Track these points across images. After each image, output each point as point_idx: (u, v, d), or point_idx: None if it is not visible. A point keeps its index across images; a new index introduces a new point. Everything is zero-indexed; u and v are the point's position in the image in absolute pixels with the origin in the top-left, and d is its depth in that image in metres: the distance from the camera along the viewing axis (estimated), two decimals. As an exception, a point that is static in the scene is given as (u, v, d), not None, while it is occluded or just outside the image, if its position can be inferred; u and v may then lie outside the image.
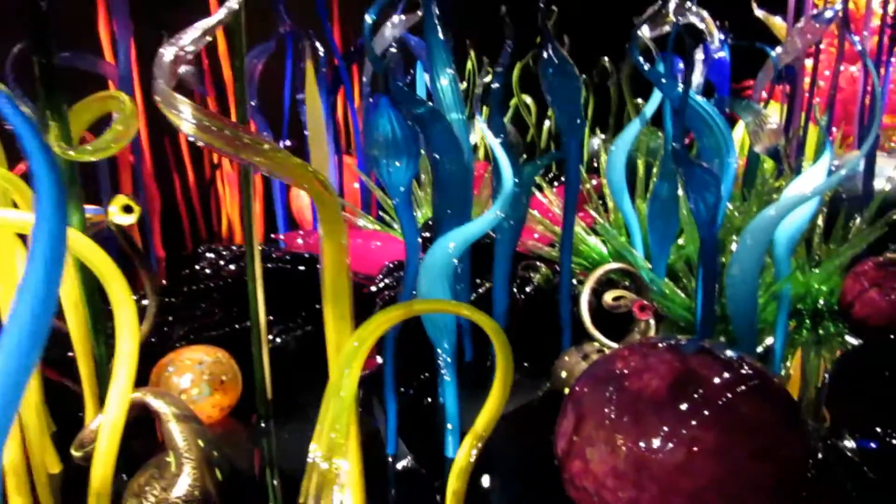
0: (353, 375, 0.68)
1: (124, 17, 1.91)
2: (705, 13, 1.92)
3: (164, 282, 2.18)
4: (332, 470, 0.65)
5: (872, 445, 1.19)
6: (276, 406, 1.31)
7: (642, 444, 0.82)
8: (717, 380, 0.86)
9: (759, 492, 0.80)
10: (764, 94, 3.25)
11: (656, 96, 1.65)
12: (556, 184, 2.40)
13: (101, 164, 2.09)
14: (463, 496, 0.80)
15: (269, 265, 1.53)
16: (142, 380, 1.26)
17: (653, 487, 0.80)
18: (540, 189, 2.07)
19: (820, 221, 1.79)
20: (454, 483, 0.78)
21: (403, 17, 1.91)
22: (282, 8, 2.06)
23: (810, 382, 1.47)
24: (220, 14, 0.68)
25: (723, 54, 2.01)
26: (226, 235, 2.45)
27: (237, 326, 1.48)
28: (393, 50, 1.05)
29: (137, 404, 0.94)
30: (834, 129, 2.86)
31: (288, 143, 2.20)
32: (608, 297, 1.18)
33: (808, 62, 3.16)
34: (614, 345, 1.18)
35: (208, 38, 0.69)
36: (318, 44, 2.05)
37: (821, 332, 1.63)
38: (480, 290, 1.56)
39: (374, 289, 1.62)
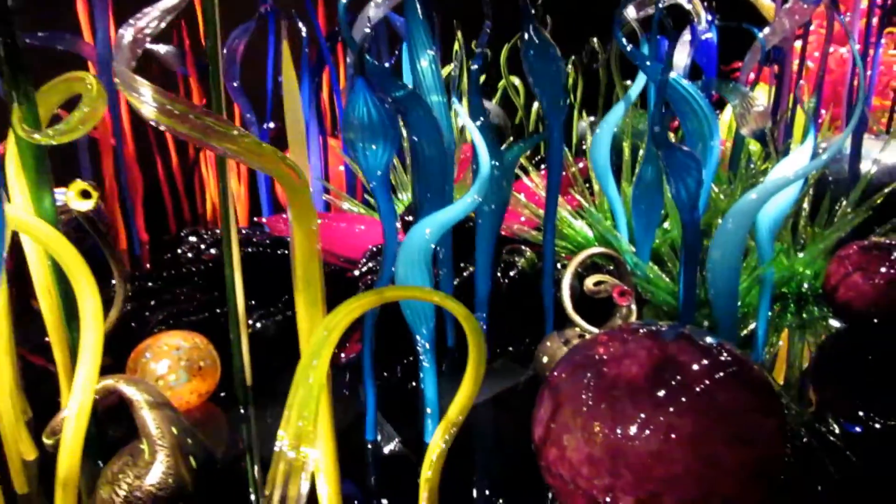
0: (321, 363, 0.67)
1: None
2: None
3: (147, 265, 2.17)
4: (300, 458, 0.64)
5: (856, 429, 1.19)
6: (256, 392, 1.30)
7: (617, 431, 0.81)
8: (694, 366, 0.85)
9: (734, 478, 0.80)
10: (752, 76, 3.25)
11: (642, 78, 1.63)
12: (542, 167, 2.38)
13: (81, 146, 2.07)
14: (437, 483, 0.79)
15: (250, 249, 1.52)
16: (121, 365, 1.25)
17: (627, 474, 0.80)
18: (526, 172, 2.05)
19: (806, 205, 1.79)
20: (427, 470, 0.77)
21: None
22: (263, -15, 2.04)
23: (794, 366, 1.47)
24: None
25: (710, 35, 1.99)
26: (210, 218, 2.43)
27: (218, 311, 1.47)
28: (367, 30, 1.01)
29: (110, 391, 0.94)
30: (823, 111, 2.85)
31: (272, 125, 2.18)
32: (589, 283, 1.17)
33: (798, 44, 3.15)
34: (595, 330, 1.18)
35: (168, 18, 0.66)
36: (301, 24, 2.02)
37: (805, 315, 1.63)
38: (465, 275, 1.55)
39: (357, 273, 1.61)
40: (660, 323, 0.97)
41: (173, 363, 1.17)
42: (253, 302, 1.48)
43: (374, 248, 1.64)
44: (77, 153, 2.06)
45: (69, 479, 0.74)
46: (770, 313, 1.62)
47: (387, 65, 2.13)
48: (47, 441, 0.89)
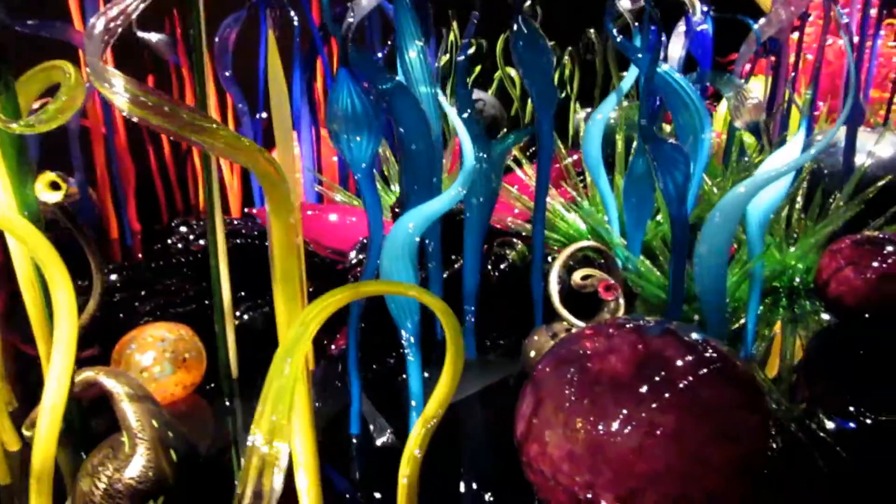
0: (296, 359, 0.67)
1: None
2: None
3: (140, 255, 2.16)
4: (273, 453, 0.64)
5: (846, 425, 1.19)
6: (243, 384, 1.30)
7: (599, 428, 0.81)
8: (677, 362, 0.84)
9: (716, 475, 0.79)
10: (750, 68, 3.23)
11: (635, 69, 1.62)
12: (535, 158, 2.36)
13: (72, 136, 2.06)
14: (416, 480, 0.78)
15: (238, 240, 1.51)
16: (109, 355, 1.25)
17: (608, 471, 0.79)
18: (519, 164, 2.04)
19: (800, 198, 1.78)
20: (405, 468, 0.76)
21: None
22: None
23: (785, 361, 1.46)
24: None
25: (705, 27, 1.97)
26: (203, 208, 2.41)
27: (206, 302, 1.46)
28: (350, 19, 1.00)
29: (91, 383, 0.93)
30: (821, 103, 2.83)
31: (264, 114, 2.17)
32: (576, 277, 1.17)
33: (797, 35, 3.13)
34: (582, 324, 1.17)
35: (142, 7, 0.65)
36: (293, 13, 2.01)
37: (797, 310, 1.62)
38: (457, 267, 1.54)
39: (347, 265, 1.60)
40: (646, 318, 0.97)
41: (158, 355, 1.17)
42: (243, 293, 1.47)
43: (365, 240, 1.63)
44: (68, 143, 2.05)
45: (43, 471, 0.73)
46: (762, 307, 1.62)
47: (380, 55, 2.12)
48: (26, 433, 0.89)
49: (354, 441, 1.14)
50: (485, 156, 1.23)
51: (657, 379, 0.83)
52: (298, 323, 0.67)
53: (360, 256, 1.59)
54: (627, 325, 0.93)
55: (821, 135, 2.14)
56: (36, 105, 0.98)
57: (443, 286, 1.47)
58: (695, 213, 1.54)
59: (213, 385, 1.27)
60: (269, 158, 0.72)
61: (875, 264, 1.36)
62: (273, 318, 1.45)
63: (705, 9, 2.00)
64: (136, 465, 0.90)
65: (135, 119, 0.65)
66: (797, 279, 1.64)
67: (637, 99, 2.41)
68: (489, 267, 1.59)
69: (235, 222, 1.88)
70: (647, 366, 0.84)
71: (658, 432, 0.79)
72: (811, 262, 1.62)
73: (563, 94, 3.27)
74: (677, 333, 0.90)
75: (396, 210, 1.59)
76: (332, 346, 1.48)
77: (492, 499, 1.03)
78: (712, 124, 2.15)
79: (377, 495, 1.03)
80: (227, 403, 1.24)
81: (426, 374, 1.30)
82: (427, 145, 1.16)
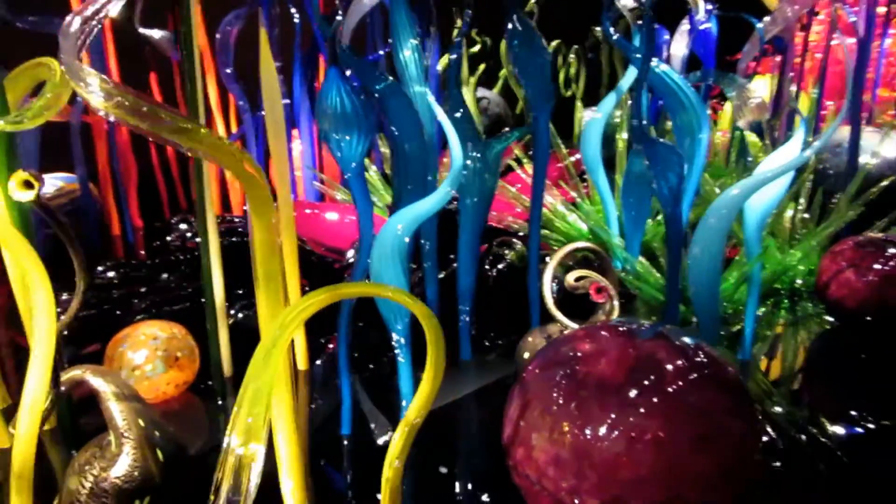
0: (275, 360, 0.66)
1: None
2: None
3: (142, 252, 2.16)
4: (249, 455, 0.63)
5: (847, 429, 1.17)
6: (236, 383, 1.29)
7: (584, 432, 0.80)
8: (665, 367, 0.83)
9: (700, 482, 0.78)
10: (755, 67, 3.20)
11: (634, 69, 1.60)
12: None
13: (74, 132, 2.06)
14: (399, 483, 0.78)
15: (235, 239, 1.51)
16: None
17: (593, 476, 0.78)
18: (520, 163, 2.03)
19: (803, 199, 1.76)
20: (387, 471, 0.76)
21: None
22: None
23: (786, 364, 1.45)
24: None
25: (709, 25, 1.95)
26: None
27: (203, 300, 1.46)
28: (339, 17, 0.99)
29: (78, 382, 0.93)
30: (830, 102, 2.80)
31: (264, 112, 2.16)
32: (570, 278, 1.15)
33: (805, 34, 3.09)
34: (575, 326, 1.16)
35: (119, 6, 0.65)
36: (294, 9, 2.00)
37: (798, 312, 1.61)
38: (454, 266, 1.54)
39: (344, 263, 1.60)
40: (639, 321, 0.96)
41: (150, 353, 1.17)
42: (240, 292, 1.47)
43: (363, 239, 1.63)
44: (70, 139, 2.05)
45: (24, 469, 0.73)
46: (763, 309, 1.60)
47: (381, 52, 2.11)
48: (13, 431, 0.89)
49: (346, 442, 1.13)
50: (478, 155, 1.23)
51: (644, 383, 0.81)
52: (277, 325, 0.67)
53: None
54: (619, 328, 0.92)
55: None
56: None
57: (440, 286, 1.46)
58: (695, 214, 1.53)
59: (209, 383, 1.27)
60: (249, 160, 0.72)
61: (876, 266, 1.35)
62: (268, 316, 1.45)
63: (709, 7, 1.98)
64: (123, 465, 0.90)
65: (111, 119, 0.65)
66: (799, 281, 1.62)
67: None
68: (487, 267, 1.59)
69: (236, 220, 1.88)
70: (635, 370, 0.83)
71: (643, 437, 0.78)
72: (813, 263, 1.60)
73: (569, 93, 3.26)
74: (668, 337, 0.89)
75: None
76: (330, 345, 1.48)
77: (487, 499, 1.02)
78: (710, 124, 2.14)
79: (370, 495, 1.02)
80: (220, 402, 1.24)
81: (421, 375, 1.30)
82: (420, 145, 1.15)
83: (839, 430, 1.16)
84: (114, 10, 0.65)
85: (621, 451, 0.78)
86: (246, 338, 1.36)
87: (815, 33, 3.03)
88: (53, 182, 2.08)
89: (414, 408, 0.73)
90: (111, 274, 1.54)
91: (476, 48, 3.06)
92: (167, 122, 0.67)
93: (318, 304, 0.69)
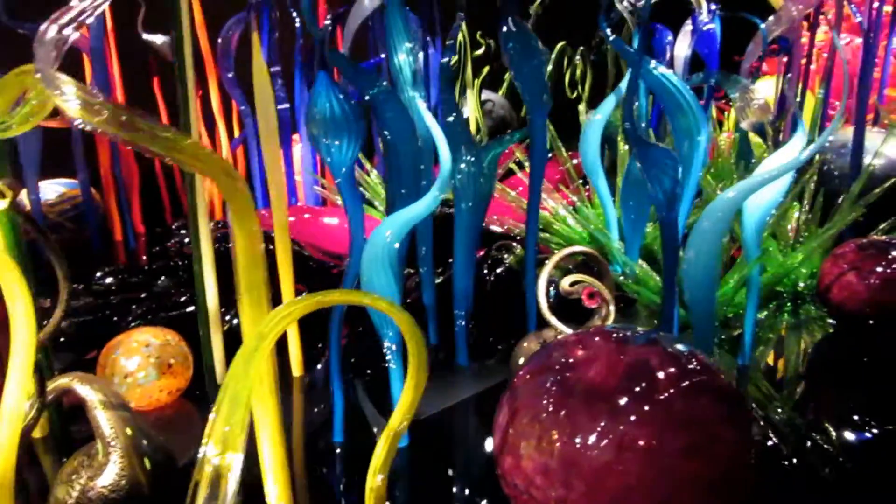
0: (253, 370, 0.65)
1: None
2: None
3: (144, 258, 2.16)
4: (225, 464, 0.63)
5: (849, 434, 1.15)
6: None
7: (572, 440, 0.79)
8: (656, 374, 0.82)
9: (690, 490, 0.77)
10: (765, 67, 3.17)
11: (634, 71, 1.59)
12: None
13: (76, 137, 2.07)
14: (383, 493, 0.77)
15: (231, 245, 1.50)
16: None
17: (580, 485, 0.77)
18: (521, 167, 2.02)
19: (807, 200, 1.74)
20: (371, 480, 0.75)
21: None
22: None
23: (788, 369, 1.43)
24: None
25: (712, 26, 1.93)
26: (209, 210, 2.42)
27: (200, 307, 1.45)
28: (327, 21, 0.99)
29: (65, 390, 0.93)
30: (838, 102, 2.77)
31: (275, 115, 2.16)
32: (565, 283, 1.14)
33: (817, 34, 3.06)
34: (570, 331, 1.15)
35: (96, 13, 0.64)
36: (294, 13, 2.00)
37: (801, 315, 1.59)
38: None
39: (343, 268, 1.59)
40: (634, 327, 0.95)
41: (143, 360, 1.16)
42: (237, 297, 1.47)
43: (361, 244, 1.62)
44: (71, 144, 2.06)
45: (4, 480, 0.73)
46: (766, 312, 1.59)
47: (383, 56, 2.10)
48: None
49: (339, 450, 1.13)
50: (472, 159, 1.21)
51: (635, 391, 0.80)
52: (255, 335, 0.66)
53: (356, 260, 1.58)
54: (611, 334, 0.91)
55: (832, 135, 2.10)
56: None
57: (438, 290, 1.45)
58: (695, 217, 1.51)
59: (204, 390, 1.27)
60: (229, 168, 0.71)
61: (878, 269, 1.32)
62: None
63: (713, 8, 1.96)
64: (110, 474, 0.89)
65: (88, 128, 0.64)
66: (801, 284, 1.60)
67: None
68: (485, 271, 1.58)
69: (230, 225, 1.87)
70: (626, 377, 0.82)
71: (632, 446, 0.76)
72: (816, 265, 1.58)
73: (575, 95, 3.25)
74: (660, 344, 0.88)
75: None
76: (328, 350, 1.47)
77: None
78: (715, 126, 2.12)
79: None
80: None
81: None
82: (413, 149, 1.14)
83: (841, 434, 1.15)
84: (90, 18, 0.64)
85: (610, 460, 0.77)
86: (241, 344, 1.36)
87: (822, 33, 3.00)
88: (55, 188, 2.09)
89: (396, 416, 0.72)
90: (109, 280, 1.54)
91: (480, 51, 3.06)
92: (147, 131, 0.66)
93: (298, 313, 0.68)
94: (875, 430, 1.16)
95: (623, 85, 1.59)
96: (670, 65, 2.04)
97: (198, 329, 1.27)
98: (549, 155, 2.13)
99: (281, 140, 2.06)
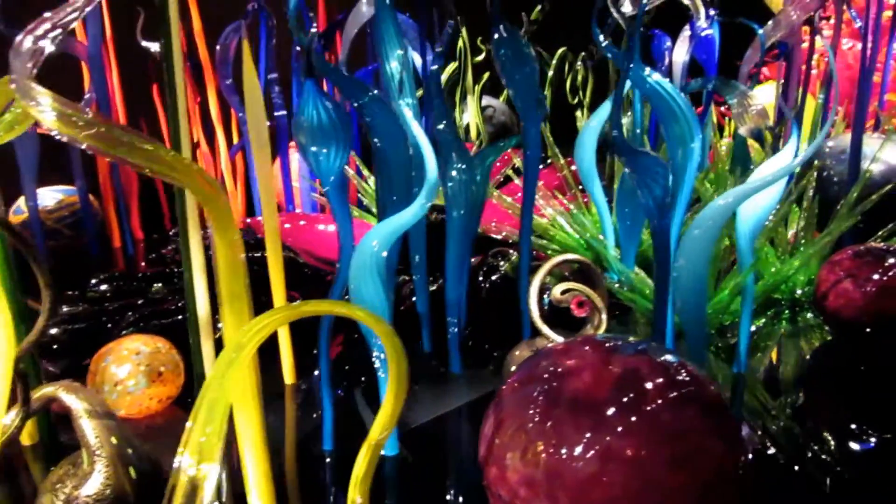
0: (230, 381, 0.65)
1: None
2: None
3: (143, 264, 2.17)
4: (200, 475, 0.62)
5: (846, 443, 1.14)
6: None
7: (557, 451, 0.78)
8: (643, 385, 0.81)
9: (676, 503, 0.76)
10: (767, 73, 3.16)
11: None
12: (540, 167, 2.33)
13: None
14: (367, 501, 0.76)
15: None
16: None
17: (565, 498, 0.76)
18: (519, 174, 2.01)
19: (806, 206, 1.73)
20: (352, 493, 0.74)
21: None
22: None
23: (785, 377, 1.42)
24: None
25: (710, 32, 1.93)
26: (207, 216, 2.41)
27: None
28: (314, 29, 0.98)
29: (50, 399, 0.93)
30: (840, 108, 2.76)
31: (266, 124, 2.16)
32: (556, 291, 1.14)
33: (817, 39, 3.05)
34: (561, 339, 1.14)
35: (73, 23, 0.64)
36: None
37: (800, 322, 1.57)
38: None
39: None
40: (624, 336, 0.94)
41: (133, 368, 1.16)
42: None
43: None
44: (69, 151, 2.06)
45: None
46: (764, 320, 1.58)
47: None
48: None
49: (328, 458, 1.12)
50: (464, 167, 1.21)
51: (621, 401, 0.79)
52: (232, 347, 0.65)
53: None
54: (600, 343, 0.90)
55: (832, 141, 2.08)
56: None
57: (433, 298, 1.45)
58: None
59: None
60: (208, 178, 0.71)
61: (875, 277, 1.31)
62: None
63: (711, 13, 1.96)
64: (95, 483, 0.89)
65: (65, 139, 0.64)
66: (799, 291, 1.59)
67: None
68: (481, 278, 1.57)
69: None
70: (613, 387, 0.81)
71: (616, 457, 0.75)
72: (813, 272, 1.57)
73: (575, 101, 3.24)
74: (649, 354, 0.87)
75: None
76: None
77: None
78: (715, 131, 2.11)
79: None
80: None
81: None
82: (404, 157, 1.14)
83: (839, 443, 1.14)
84: (68, 27, 0.64)
85: (595, 472, 0.76)
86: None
87: (824, 37, 2.99)
88: (54, 195, 2.09)
89: (376, 427, 0.71)
90: (104, 287, 1.54)
91: (481, 56, 3.05)
92: (125, 141, 0.66)
93: (276, 324, 0.68)
94: (873, 439, 1.15)
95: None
96: (669, 70, 2.04)
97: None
98: (549, 161, 2.13)
99: (278, 147, 2.07)
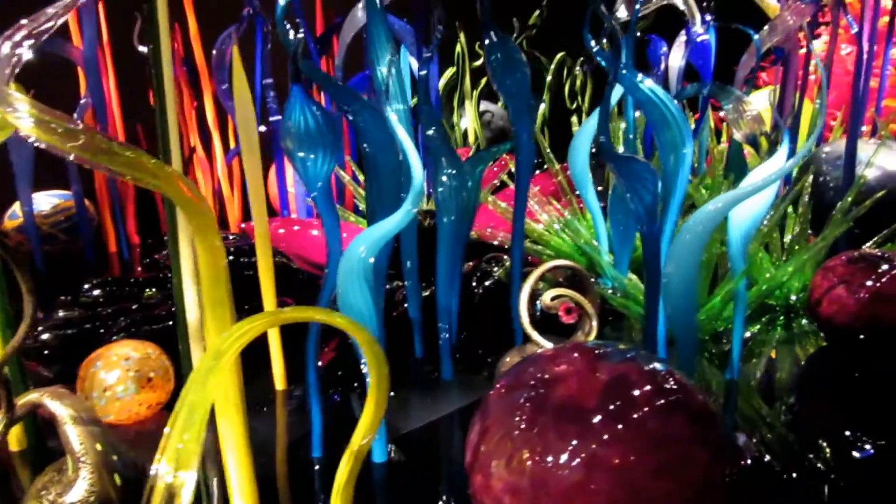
0: (209, 388, 0.65)
1: (88, -1, 1.88)
2: (688, -5, 1.84)
3: (139, 269, 2.17)
4: (178, 482, 0.62)
5: (841, 450, 1.13)
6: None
7: (542, 459, 0.77)
8: (630, 392, 0.80)
9: (661, 512, 0.75)
10: (766, 78, 3.15)
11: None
12: (537, 171, 2.33)
13: (70, 149, 2.07)
14: (349, 509, 0.76)
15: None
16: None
17: (549, 506, 0.76)
18: (514, 179, 2.00)
19: (801, 212, 1.72)
20: (335, 501, 0.74)
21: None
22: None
23: (780, 384, 1.41)
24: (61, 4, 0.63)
25: (706, 38, 1.92)
26: (189, 223, 2.41)
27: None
28: (300, 35, 0.98)
29: (35, 405, 0.92)
30: (838, 113, 2.75)
31: (262, 128, 2.16)
32: (546, 298, 1.13)
33: (817, 44, 3.05)
34: (551, 345, 1.13)
35: (49, 30, 0.64)
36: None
37: (795, 329, 1.57)
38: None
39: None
40: (614, 343, 0.94)
41: (122, 374, 1.16)
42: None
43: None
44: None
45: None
46: (758, 326, 1.57)
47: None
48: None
49: (317, 466, 1.12)
50: (454, 172, 1.21)
51: (607, 409, 0.79)
52: (212, 353, 0.65)
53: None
54: (589, 350, 0.90)
55: (828, 147, 2.08)
56: None
57: (425, 304, 1.44)
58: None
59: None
60: (190, 185, 0.70)
61: (868, 283, 1.30)
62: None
63: (707, 18, 1.95)
64: (79, 490, 0.89)
65: (42, 146, 0.64)
66: (793, 297, 1.58)
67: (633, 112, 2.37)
68: (474, 283, 1.57)
69: (230, 237, 1.88)
70: (599, 394, 0.81)
71: (601, 466, 0.75)
72: (808, 278, 1.56)
73: (574, 106, 3.24)
74: (637, 361, 0.86)
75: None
76: (319, 363, 1.46)
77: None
78: (705, 136, 2.10)
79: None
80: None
81: (392, 394, 1.28)
82: (394, 162, 1.14)
83: (834, 450, 1.13)
84: (44, 35, 0.64)
85: (580, 480, 0.75)
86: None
87: (822, 42, 2.99)
88: (50, 199, 2.09)
89: (357, 435, 0.71)
90: (97, 292, 1.54)
91: (479, 62, 3.05)
92: (105, 148, 0.66)
93: (256, 330, 0.68)
94: (868, 446, 1.14)
95: (612, 96, 1.57)
96: (665, 75, 2.04)
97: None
98: (546, 166, 2.12)
99: (274, 152, 2.07)
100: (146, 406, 1.18)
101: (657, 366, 0.86)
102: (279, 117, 2.01)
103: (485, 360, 1.47)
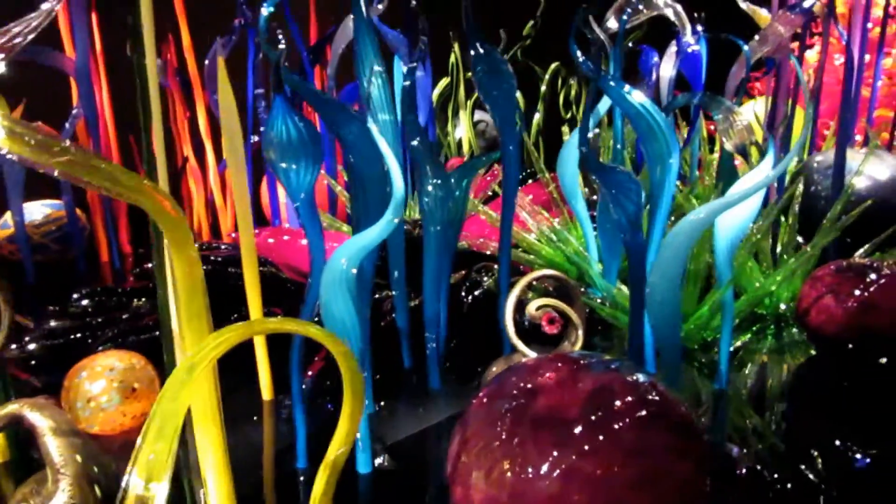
0: (181, 400, 0.64)
1: (80, 7, 1.89)
2: (678, 6, 1.85)
3: (130, 278, 2.16)
4: (149, 495, 0.62)
5: (830, 460, 1.13)
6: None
7: (521, 471, 0.77)
8: (611, 404, 0.80)
9: (639, 524, 0.75)
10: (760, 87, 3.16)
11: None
12: (530, 181, 2.34)
13: (62, 159, 2.07)
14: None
15: (206, 267, 1.50)
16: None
17: (526, 518, 0.75)
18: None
19: (791, 221, 1.72)
20: (312, 510, 0.73)
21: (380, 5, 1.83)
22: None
23: (769, 393, 1.40)
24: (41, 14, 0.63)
25: (696, 48, 1.93)
26: (197, 230, 2.42)
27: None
28: (282, 46, 0.98)
29: (15, 417, 0.92)
30: (831, 122, 2.76)
31: (255, 138, 2.17)
32: (531, 308, 1.13)
33: (810, 54, 3.05)
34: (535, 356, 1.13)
35: (26, 41, 0.64)
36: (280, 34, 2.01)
37: (785, 338, 1.56)
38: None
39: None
40: (598, 353, 0.93)
41: (107, 384, 1.15)
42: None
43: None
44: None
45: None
46: (748, 335, 1.57)
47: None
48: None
49: (301, 477, 1.11)
50: (439, 182, 1.21)
51: (588, 419, 0.79)
52: (184, 366, 0.65)
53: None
54: (572, 361, 0.89)
55: (820, 156, 2.08)
56: None
57: (413, 314, 1.44)
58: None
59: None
60: (167, 197, 0.70)
61: (856, 293, 1.30)
62: (235, 347, 1.44)
63: (698, 29, 1.96)
64: (58, 502, 0.88)
65: (14, 157, 0.64)
66: (783, 306, 1.58)
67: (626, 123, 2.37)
68: (463, 293, 1.56)
69: (223, 246, 1.87)
70: (580, 405, 0.80)
71: (581, 477, 0.75)
72: (797, 288, 1.56)
73: (569, 115, 3.25)
74: (619, 372, 0.86)
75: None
76: (309, 372, 1.46)
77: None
78: (689, 148, 2.10)
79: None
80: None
81: (381, 404, 1.28)
82: (379, 172, 1.13)
83: (823, 460, 1.12)
84: (14, 50, 0.64)
85: (557, 493, 0.75)
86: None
87: (816, 52, 2.99)
88: (42, 209, 2.09)
89: (333, 446, 0.71)
90: (86, 302, 1.54)
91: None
92: (80, 162, 0.66)
93: (230, 342, 0.67)
94: (858, 455, 1.14)
95: (601, 107, 1.58)
96: (656, 85, 2.05)
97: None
98: (538, 176, 2.13)
99: (266, 162, 2.07)
100: (131, 416, 1.18)
101: (639, 377, 0.86)
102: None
103: (474, 370, 1.47)
